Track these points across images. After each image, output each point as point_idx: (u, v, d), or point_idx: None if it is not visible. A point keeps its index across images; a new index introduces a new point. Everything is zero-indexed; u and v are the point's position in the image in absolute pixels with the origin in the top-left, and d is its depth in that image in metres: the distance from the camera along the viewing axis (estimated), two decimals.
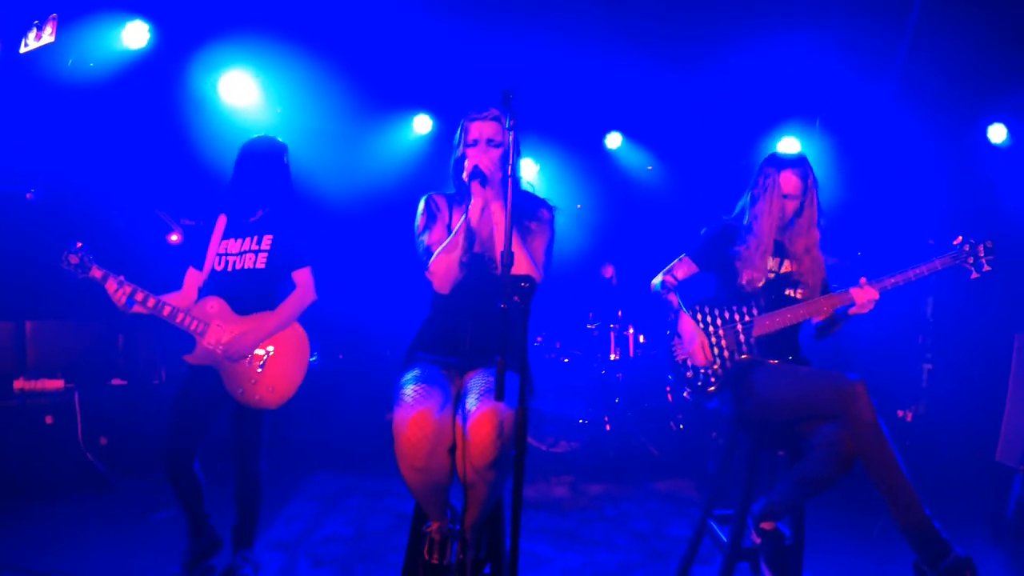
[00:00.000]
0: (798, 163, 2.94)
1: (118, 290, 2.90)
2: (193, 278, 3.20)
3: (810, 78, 6.01)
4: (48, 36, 4.50)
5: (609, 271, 6.17)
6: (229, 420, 3.11)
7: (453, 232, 2.52)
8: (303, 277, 3.20)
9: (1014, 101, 5.94)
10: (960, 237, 2.75)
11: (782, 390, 2.67)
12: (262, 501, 3.14)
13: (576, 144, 7.13)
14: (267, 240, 3.15)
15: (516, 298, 1.96)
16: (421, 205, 2.72)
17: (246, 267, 3.12)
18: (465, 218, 2.48)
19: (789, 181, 2.90)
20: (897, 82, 5.76)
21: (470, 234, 2.49)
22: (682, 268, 3.08)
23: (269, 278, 3.14)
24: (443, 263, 2.49)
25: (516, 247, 2.36)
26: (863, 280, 2.75)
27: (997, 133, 6.14)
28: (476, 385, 2.38)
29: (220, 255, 3.16)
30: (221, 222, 3.23)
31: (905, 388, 6.14)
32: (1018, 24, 5.14)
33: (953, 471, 5.12)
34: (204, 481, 3.03)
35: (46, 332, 4.72)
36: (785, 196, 2.90)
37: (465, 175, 2.46)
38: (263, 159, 3.20)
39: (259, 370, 3.08)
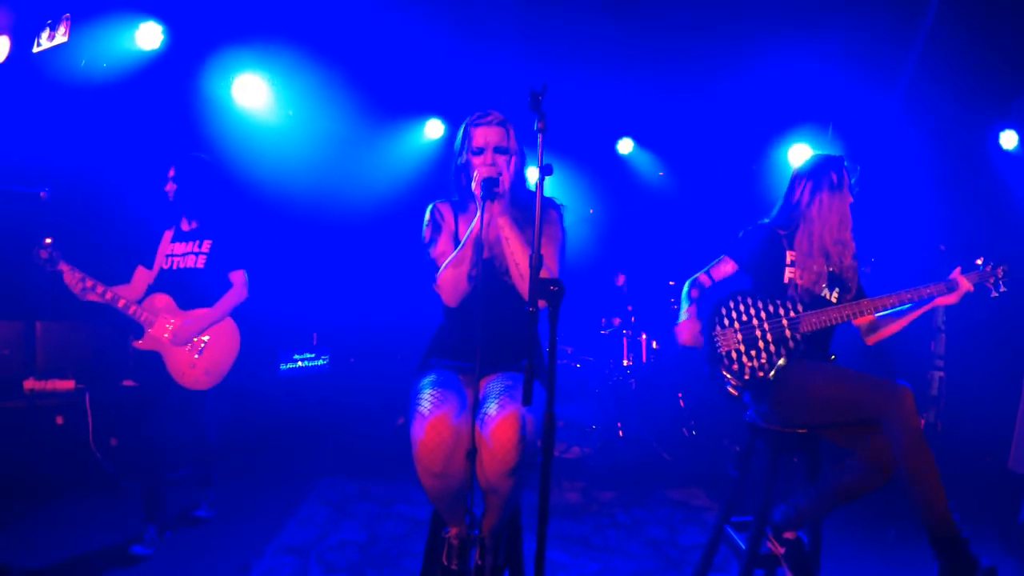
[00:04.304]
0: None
1: (75, 282, 3.41)
2: (141, 275, 3.73)
3: (819, 85, 6.00)
4: (61, 36, 4.50)
5: (621, 280, 6.13)
6: (177, 405, 3.61)
7: (460, 246, 2.41)
8: (238, 278, 3.70)
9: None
10: (981, 259, 2.80)
11: (828, 388, 2.57)
12: (213, 459, 3.87)
13: (588, 149, 7.11)
14: (207, 244, 3.67)
15: (543, 303, 1.93)
16: (426, 216, 2.64)
17: (188, 266, 3.64)
18: (471, 231, 2.38)
19: (847, 182, 2.86)
20: (906, 88, 5.74)
21: (478, 245, 2.36)
22: (722, 269, 2.94)
23: (208, 277, 3.65)
24: (451, 277, 2.41)
25: (524, 256, 2.33)
26: (958, 270, 2.75)
27: (1009, 139, 6.13)
28: (495, 389, 2.34)
29: (168, 256, 3.69)
30: (168, 232, 3.75)
31: (917, 395, 6.10)
32: None
33: (965, 479, 5.05)
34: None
35: (57, 332, 4.70)
36: (845, 198, 2.84)
37: (475, 187, 2.33)
38: (193, 177, 3.67)
39: (197, 356, 3.59)
